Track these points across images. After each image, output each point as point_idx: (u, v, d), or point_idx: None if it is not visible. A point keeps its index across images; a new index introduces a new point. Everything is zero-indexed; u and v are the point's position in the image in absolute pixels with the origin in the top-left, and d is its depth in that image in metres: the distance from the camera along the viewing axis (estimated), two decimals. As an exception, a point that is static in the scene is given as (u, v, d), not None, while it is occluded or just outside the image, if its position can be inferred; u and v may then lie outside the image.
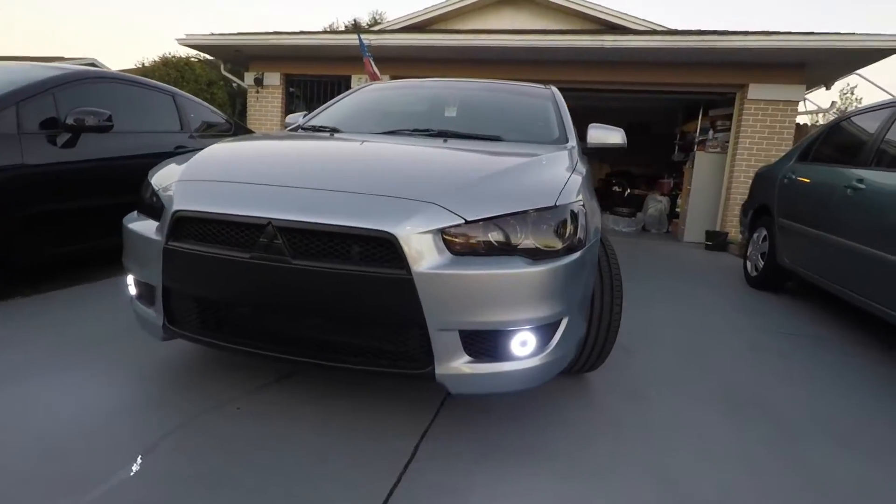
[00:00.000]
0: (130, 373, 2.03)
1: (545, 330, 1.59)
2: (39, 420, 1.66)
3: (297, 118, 3.17)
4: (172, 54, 8.60)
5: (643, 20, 8.36)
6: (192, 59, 8.23)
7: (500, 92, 3.23)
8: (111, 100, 3.57)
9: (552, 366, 1.64)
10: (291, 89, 8.59)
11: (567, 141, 2.56)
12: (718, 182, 7.37)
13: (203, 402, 1.83)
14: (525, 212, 1.56)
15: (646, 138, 10.77)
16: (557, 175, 1.82)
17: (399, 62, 7.83)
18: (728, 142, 7.28)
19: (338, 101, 3.25)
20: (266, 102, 8.44)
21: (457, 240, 1.50)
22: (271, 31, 7.90)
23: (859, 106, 3.85)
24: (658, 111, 10.07)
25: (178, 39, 7.89)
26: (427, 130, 2.57)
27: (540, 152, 2.13)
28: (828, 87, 7.38)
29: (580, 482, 1.53)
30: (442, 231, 1.48)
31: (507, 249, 1.54)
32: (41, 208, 2.92)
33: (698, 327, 3.18)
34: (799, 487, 1.58)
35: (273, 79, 8.35)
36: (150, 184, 1.89)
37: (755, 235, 4.58)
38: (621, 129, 2.75)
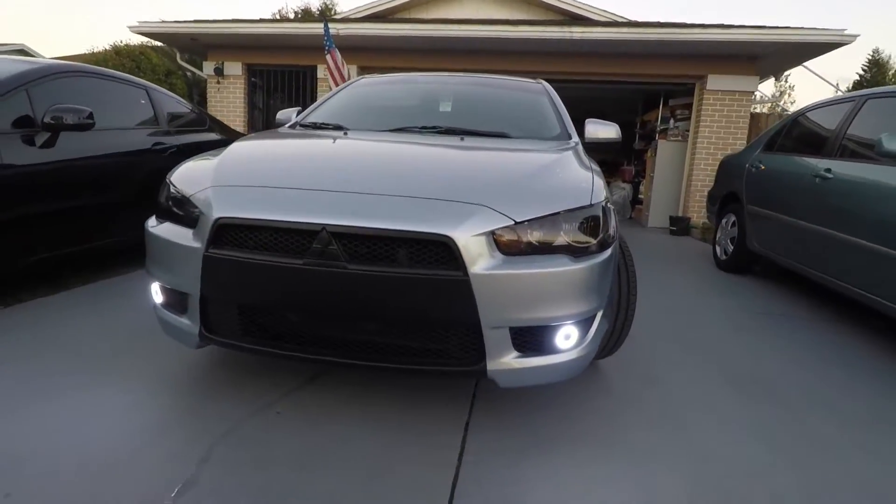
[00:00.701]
0: (157, 384, 1.98)
1: (585, 323, 1.68)
2: (82, 441, 1.60)
3: (289, 115, 3.11)
4: (125, 42, 8.14)
5: (604, 11, 8.59)
6: (147, 48, 7.78)
7: (495, 87, 3.28)
8: (87, 95, 3.39)
9: (589, 356, 1.73)
10: (253, 80, 8.31)
11: (570, 137, 2.64)
12: (680, 169, 7.73)
13: (242, 409, 1.82)
14: (565, 211, 1.63)
15: (606, 127, 11.10)
16: (583, 174, 1.90)
17: (365, 52, 7.72)
18: (688, 130, 7.63)
19: (333, 96, 3.21)
20: (228, 93, 8.13)
21: (506, 240, 1.55)
22: (230, 18, 7.59)
23: (823, 99, 4.14)
24: (615, 100, 10.38)
25: (129, 27, 7.45)
26: (435, 128, 2.59)
27: (553, 150, 2.21)
28: (777, 78, 7.84)
29: (624, 465, 1.63)
30: (493, 233, 1.53)
31: (549, 248, 1.60)
32: (23, 212, 2.75)
33: (684, 311, 3.38)
34: (812, 455, 1.75)
35: (234, 68, 8.04)
36: (174, 187, 1.83)
37: (724, 221, 4.86)
38: (616, 125, 2.87)
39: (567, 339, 1.65)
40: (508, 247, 1.55)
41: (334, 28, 6.85)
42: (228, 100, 8.15)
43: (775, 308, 3.54)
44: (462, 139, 2.32)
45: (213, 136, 4.56)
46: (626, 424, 1.88)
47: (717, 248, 4.94)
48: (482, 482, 1.50)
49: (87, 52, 10.71)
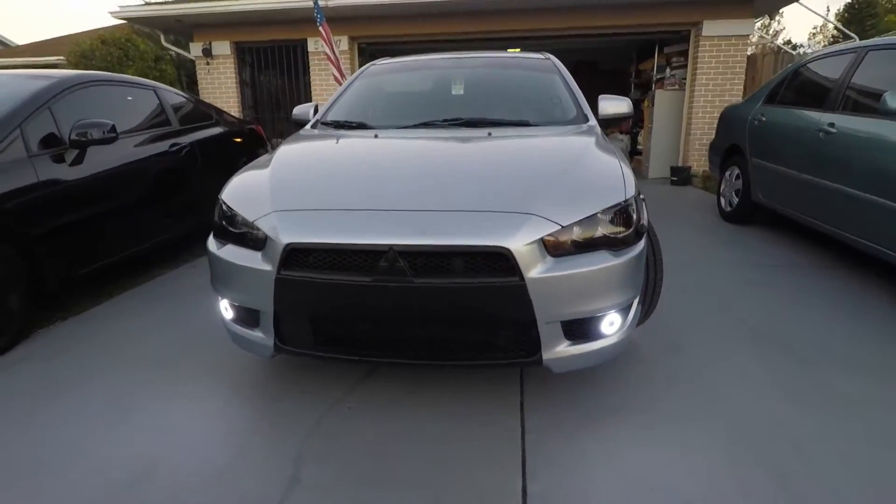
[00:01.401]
0: (230, 389, 2.17)
1: (626, 309, 1.85)
2: (187, 449, 1.80)
3: (307, 111, 3.18)
4: (101, 29, 7.85)
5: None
6: (134, 34, 7.56)
7: (506, 68, 3.33)
8: (103, 104, 3.44)
9: (630, 336, 1.91)
10: (243, 58, 8.15)
11: (587, 119, 2.74)
12: (678, 118, 7.76)
13: (316, 407, 2.01)
14: (604, 210, 1.77)
15: (598, 76, 11.02)
16: (613, 167, 2.02)
17: (356, 21, 7.56)
18: (685, 79, 7.61)
19: (347, 89, 3.25)
20: (218, 74, 8.00)
21: (554, 243, 1.70)
22: (214, -5, 7.36)
23: (822, 50, 4.18)
24: (608, 49, 10.24)
25: (111, 13, 7.23)
26: (457, 119, 2.68)
27: (577, 139, 2.33)
28: (772, 17, 7.76)
29: (665, 430, 1.85)
30: (543, 238, 1.67)
31: (592, 245, 1.76)
32: (64, 228, 2.86)
33: (694, 266, 3.56)
34: (828, 407, 1.96)
35: (223, 48, 7.88)
36: (231, 210, 1.95)
37: (727, 173, 4.99)
38: (627, 99, 2.96)
39: (611, 325, 1.82)
40: (556, 248, 1.70)
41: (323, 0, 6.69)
42: (219, 80, 8.02)
43: (784, 259, 3.73)
44: (489, 134, 2.42)
45: (219, 129, 4.59)
46: (659, 391, 2.09)
47: (722, 200, 5.09)
48: (548, 456, 1.72)
49: (63, 35, 10.40)
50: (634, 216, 1.85)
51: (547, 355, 1.76)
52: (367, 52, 8.47)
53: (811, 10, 7.59)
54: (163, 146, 3.77)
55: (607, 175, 1.95)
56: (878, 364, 2.28)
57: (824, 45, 25.47)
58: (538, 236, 1.65)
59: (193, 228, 4.22)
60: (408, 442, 1.81)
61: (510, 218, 1.68)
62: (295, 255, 1.71)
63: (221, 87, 8.02)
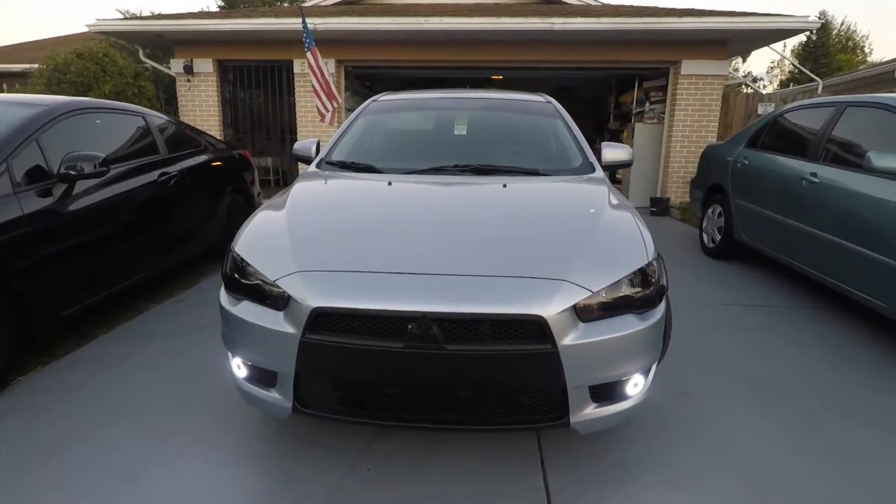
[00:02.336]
0: (241, 447, 2.07)
1: (648, 369, 1.87)
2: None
3: (309, 148, 3.12)
4: (69, 36, 7.49)
5: (578, -6, 8.61)
6: (111, 48, 7.31)
7: (510, 111, 3.36)
8: (91, 133, 3.31)
9: (648, 392, 1.93)
10: (226, 77, 8.02)
11: (593, 168, 2.79)
12: (657, 151, 8.01)
13: (333, 469, 1.94)
14: (631, 274, 1.80)
15: (575, 103, 11.28)
16: (632, 227, 2.06)
17: (345, 45, 7.56)
18: (664, 113, 7.88)
19: (350, 127, 3.22)
20: (199, 92, 7.83)
21: (584, 308, 1.70)
22: (198, 12, 7.24)
23: (801, 101, 4.40)
24: (588, 80, 10.52)
25: (88, 25, 7.00)
26: (468, 167, 2.68)
27: (591, 193, 2.37)
28: (744, 59, 8.14)
29: (692, 489, 1.86)
30: (575, 305, 1.67)
31: (618, 308, 1.77)
32: (51, 265, 2.71)
33: (685, 306, 3.64)
34: (839, 467, 2.02)
35: (205, 65, 7.73)
36: (246, 264, 1.88)
37: (710, 210, 5.16)
38: (628, 147, 3.05)
39: (635, 386, 1.84)
40: (586, 313, 1.71)
41: (312, 22, 6.66)
42: (200, 98, 7.85)
43: (768, 299, 3.86)
44: (504, 186, 2.43)
45: (207, 155, 4.48)
46: (675, 443, 2.11)
47: (705, 236, 5.25)
48: (576, 524, 1.70)
49: (29, 41, 9.97)
50: (656, 278, 1.88)
51: (574, 419, 1.75)
52: (353, 74, 8.46)
53: (771, 48, 7.98)
54: (152, 176, 3.65)
55: (629, 237, 1.98)
56: (874, 415, 2.37)
57: (780, 79, 26.91)
58: (571, 303, 1.66)
59: (182, 261, 4.08)
60: (434, 506, 1.76)
61: (544, 285, 1.68)
62: (322, 319, 1.67)
63: (202, 106, 7.84)
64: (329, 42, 7.36)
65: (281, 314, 1.75)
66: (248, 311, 1.83)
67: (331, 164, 2.90)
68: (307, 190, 2.50)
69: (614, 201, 2.30)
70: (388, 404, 1.77)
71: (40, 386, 2.52)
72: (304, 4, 8.45)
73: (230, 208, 4.71)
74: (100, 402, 2.38)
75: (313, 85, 6.70)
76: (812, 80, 9.31)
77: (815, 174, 3.61)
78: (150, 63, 8.20)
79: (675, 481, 1.90)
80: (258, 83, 8.07)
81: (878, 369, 2.80)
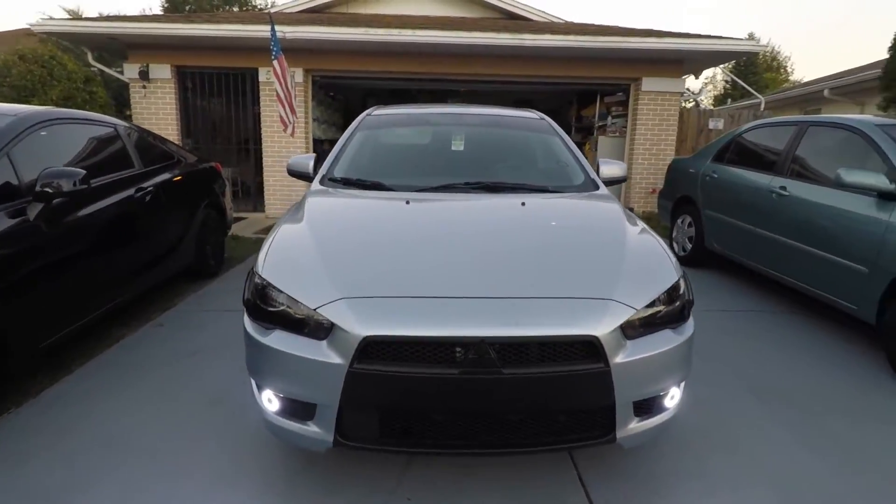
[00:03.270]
0: (259, 490, 1.95)
1: (682, 381, 1.93)
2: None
3: (306, 163, 3.04)
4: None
5: (542, 11, 8.86)
6: (58, 51, 6.77)
7: (509, 128, 3.39)
8: (63, 146, 3.07)
9: (681, 403, 1.98)
10: (186, 84, 7.66)
11: (597, 185, 2.87)
12: (618, 163, 8.31)
13: (372, 499, 1.87)
14: (666, 290, 1.85)
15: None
16: (657, 245, 2.13)
17: (314, 54, 7.41)
18: (625, 127, 8.21)
19: (348, 142, 3.14)
20: (156, 99, 7.43)
21: (630, 327, 1.73)
22: (157, 14, 6.90)
23: (763, 120, 4.71)
24: (549, 93, 10.81)
25: (30, 24, 6.50)
26: (479, 184, 2.69)
27: (607, 211, 2.44)
28: (696, 77, 8.64)
29: (729, 499, 1.92)
30: (622, 323, 1.70)
31: (657, 326, 1.82)
32: (27, 291, 2.48)
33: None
34: (852, 461, 2.15)
35: (162, 71, 7.35)
36: (277, 291, 1.79)
37: (679, 221, 5.41)
38: (623, 164, 3.15)
39: (672, 399, 1.89)
40: (631, 331, 1.74)
41: (281, 30, 6.49)
42: (157, 106, 7.46)
43: (745, 304, 4.08)
44: (523, 204, 2.44)
45: (181, 169, 4.26)
46: (700, 454, 2.18)
47: (675, 245, 5.49)
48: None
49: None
50: (685, 293, 1.94)
51: (620, 434, 1.77)
52: (320, 84, 8.30)
53: (732, 76, 8.52)
54: (129, 192, 3.42)
55: (659, 255, 2.04)
56: (863, 409, 2.55)
57: (714, 95, 28.65)
58: (619, 322, 1.68)
59: (157, 282, 3.84)
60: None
61: (593, 305, 1.70)
62: (372, 348, 1.61)
63: (159, 114, 7.44)
64: (297, 51, 7.21)
65: (323, 343, 1.67)
66: (282, 341, 1.74)
67: (334, 180, 2.82)
68: (324, 209, 2.42)
69: (631, 219, 2.36)
70: (436, 431, 1.72)
71: (18, 431, 2.26)
72: (269, 11, 8.21)
73: (203, 224, 4.48)
74: (97, 442, 2.19)
75: (278, 93, 6.52)
76: (754, 95, 9.99)
77: (784, 187, 3.86)
78: (98, 66, 7.71)
79: (711, 492, 1.96)
80: (220, 91, 7.76)
81: (859, 369, 3.01)
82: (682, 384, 1.96)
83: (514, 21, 8.76)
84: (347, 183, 2.78)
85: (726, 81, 25.87)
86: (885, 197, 3.05)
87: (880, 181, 3.03)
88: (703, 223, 4.93)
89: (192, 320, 3.61)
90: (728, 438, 2.30)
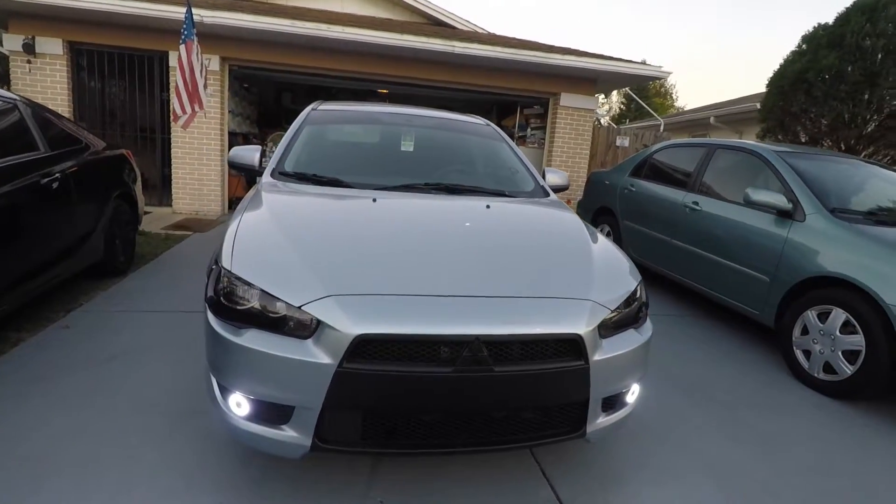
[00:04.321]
0: (233, 487, 1.81)
1: (641, 377, 2.08)
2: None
3: (252, 156, 2.89)
4: None
5: (466, 20, 9.08)
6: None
7: (459, 132, 3.44)
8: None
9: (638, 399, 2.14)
10: (81, 62, 6.83)
11: (548, 193, 3.01)
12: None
13: (345, 500, 1.80)
14: (630, 292, 1.99)
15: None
16: (616, 251, 2.29)
17: (232, 42, 6.96)
18: (544, 139, 8.65)
19: (296, 136, 3.00)
20: (43, 76, 6.54)
21: (604, 326, 1.84)
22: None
23: (675, 140, 5.20)
24: (467, 100, 11.06)
25: None
26: (438, 185, 2.71)
27: (568, 217, 2.58)
28: (606, 97, 9.33)
29: (676, 485, 2.09)
30: (599, 323, 1.80)
31: (623, 326, 1.94)
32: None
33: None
34: (769, 448, 2.44)
35: (52, 46, 6.49)
36: (249, 286, 1.67)
37: (599, 230, 5.78)
38: (565, 173, 3.35)
39: (633, 394, 2.02)
40: (604, 331, 1.84)
41: (197, 14, 6.02)
42: (45, 85, 6.57)
43: (663, 309, 4.45)
44: (488, 207, 2.49)
45: (89, 154, 3.81)
46: (645, 444, 2.35)
47: (593, 253, 5.86)
48: (599, 529, 1.81)
49: None
50: (643, 294, 2.10)
51: (590, 429, 1.87)
52: (236, 74, 7.82)
53: (637, 97, 9.29)
54: (32, 178, 2.99)
55: (620, 260, 2.20)
56: (766, 402, 2.91)
57: (610, 114, 31.17)
58: (598, 322, 1.78)
59: (67, 277, 3.40)
60: (460, 533, 1.74)
61: (575, 305, 1.78)
62: (363, 346, 1.56)
63: (47, 93, 6.56)
64: (214, 37, 6.74)
65: (307, 342, 1.60)
66: (259, 340, 1.63)
67: (286, 174, 2.69)
68: (287, 203, 2.30)
69: (589, 228, 2.51)
70: (421, 431, 1.71)
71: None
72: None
73: (114, 217, 4.04)
74: (8, 465, 1.88)
75: (176, 83, 5.99)
76: (649, 117, 11.01)
77: (696, 203, 4.30)
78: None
79: (659, 480, 2.12)
80: (122, 74, 7.02)
81: (763, 367, 3.42)
82: (640, 381, 2.12)
83: (440, 27, 8.89)
84: (302, 178, 2.66)
85: (622, 103, 28.19)
86: (782, 215, 3.51)
87: (779, 200, 3.48)
88: (621, 233, 5.33)
89: (104, 322, 3.22)
90: (666, 430, 2.51)
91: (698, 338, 3.85)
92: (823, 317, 3.10)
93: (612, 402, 1.95)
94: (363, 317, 1.58)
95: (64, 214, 3.28)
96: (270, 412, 1.66)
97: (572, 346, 1.72)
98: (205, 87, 5.98)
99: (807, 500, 2.08)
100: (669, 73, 7.60)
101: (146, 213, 6.87)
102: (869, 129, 7.27)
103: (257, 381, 1.64)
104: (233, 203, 7.87)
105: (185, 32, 5.84)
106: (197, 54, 5.88)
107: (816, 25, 7.48)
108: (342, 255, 1.85)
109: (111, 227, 3.99)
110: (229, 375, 1.69)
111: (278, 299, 1.64)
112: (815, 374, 3.11)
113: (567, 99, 8.11)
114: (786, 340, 3.34)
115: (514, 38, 8.45)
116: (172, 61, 6.87)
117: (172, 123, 6.37)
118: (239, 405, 1.70)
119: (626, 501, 1.98)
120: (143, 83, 7.12)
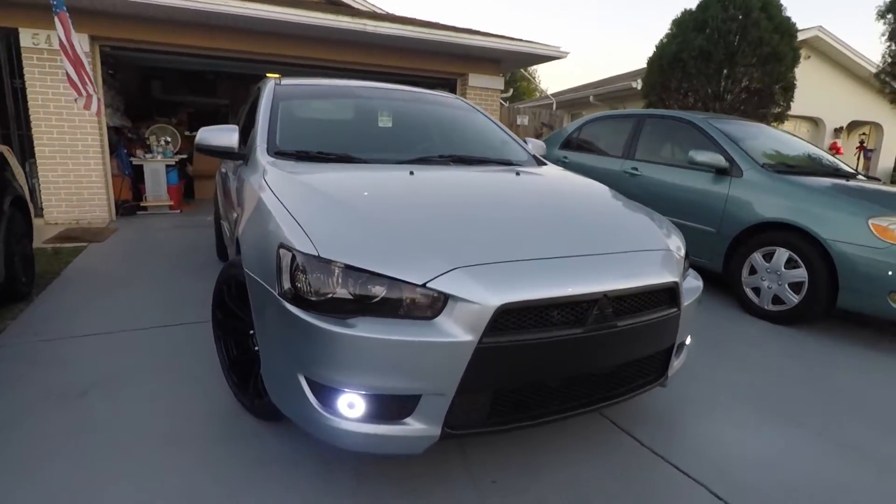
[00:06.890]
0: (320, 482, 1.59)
1: (690, 324, 2.22)
2: None
3: (228, 137, 2.54)
4: None
5: (364, 1, 8.74)
6: None
7: (434, 105, 3.32)
8: None
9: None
10: None
11: (543, 162, 3.05)
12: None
13: (460, 488, 1.69)
14: (684, 241, 2.11)
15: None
16: (646, 207, 2.40)
17: (104, 18, 5.94)
18: (454, 121, 8.72)
19: (273, 114, 2.65)
20: None
21: (682, 273, 1.93)
22: None
23: (603, 112, 5.57)
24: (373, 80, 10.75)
25: None
26: (451, 156, 2.61)
27: (586, 181, 2.67)
28: (506, 76, 9.67)
29: (710, 410, 2.29)
30: (682, 270, 1.89)
31: (685, 273, 2.06)
32: None
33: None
34: (760, 372, 2.77)
35: None
36: (353, 270, 1.47)
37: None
38: (542, 143, 3.43)
39: (689, 339, 2.15)
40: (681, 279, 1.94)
41: (62, -19, 5.03)
42: None
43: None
44: (518, 174, 2.46)
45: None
46: (677, 386, 2.53)
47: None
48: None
49: None
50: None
51: (670, 374, 1.97)
52: (111, 56, 6.71)
53: (529, 76, 9.74)
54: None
55: (658, 215, 2.31)
56: (743, 336, 3.30)
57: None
58: (683, 268, 1.87)
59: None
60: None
61: (665, 255, 1.85)
62: (504, 317, 1.46)
63: None
64: (82, 12, 5.69)
65: (435, 322, 1.45)
66: (376, 328, 1.44)
67: (283, 154, 2.38)
68: (327, 180, 2.06)
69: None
70: (545, 400, 1.65)
71: None
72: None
73: (9, 230, 3.26)
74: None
75: (64, 63, 5.06)
76: (527, 98, 11.64)
77: (636, 168, 4.67)
78: None
79: (702, 413, 2.31)
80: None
81: (721, 308, 3.84)
82: None
83: (335, 6, 8.46)
84: (304, 157, 2.37)
85: (537, 85, 29.43)
86: (721, 172, 3.95)
87: (718, 160, 3.92)
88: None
89: (39, 353, 2.62)
90: (683, 371, 2.71)
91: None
92: (768, 257, 3.58)
93: (681, 347, 2.06)
94: (499, 286, 1.47)
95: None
96: (392, 407, 1.50)
97: (670, 295, 1.78)
98: (87, 66, 5.07)
99: (814, 398, 2.41)
100: (567, 53, 8.09)
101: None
102: (729, 100, 8.45)
103: (378, 375, 1.46)
104: (119, 207, 6.79)
105: (56, 4, 4.90)
106: (72, 31, 4.96)
107: (684, 11, 8.47)
108: (431, 226, 1.70)
109: (9, 242, 3.21)
110: (340, 373, 1.47)
111: (395, 279, 1.46)
112: (766, 307, 3.59)
113: (475, 79, 8.24)
114: (736, 283, 3.80)
115: (415, 19, 8.33)
116: (25, 40, 5.69)
117: (76, 107, 5.26)
118: (352, 406, 1.49)
119: (692, 430, 2.12)
120: (-14, 67, 5.79)
